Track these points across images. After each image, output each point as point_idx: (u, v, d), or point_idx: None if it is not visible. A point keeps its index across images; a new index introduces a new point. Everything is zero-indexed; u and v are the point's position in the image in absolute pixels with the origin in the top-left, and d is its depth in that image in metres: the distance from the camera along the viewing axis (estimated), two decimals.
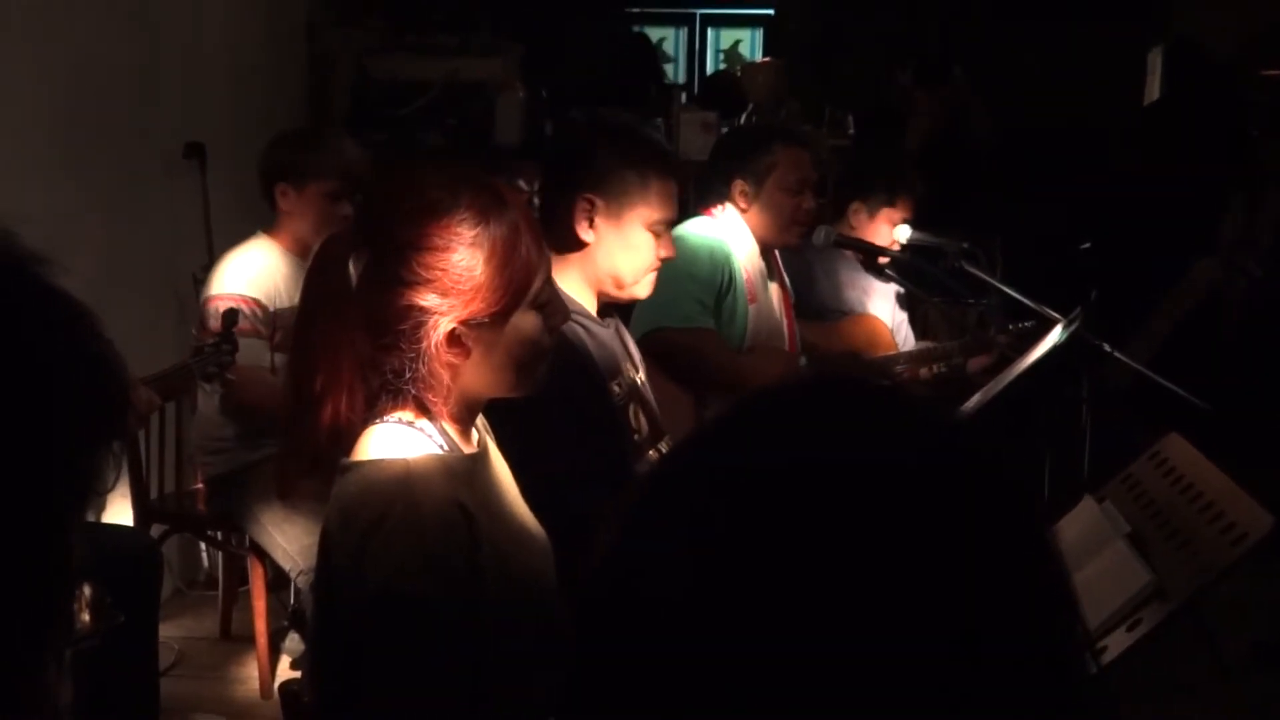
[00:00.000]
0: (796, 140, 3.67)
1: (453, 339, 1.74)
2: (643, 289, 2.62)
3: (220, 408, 3.80)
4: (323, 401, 1.74)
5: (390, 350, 1.73)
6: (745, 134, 3.72)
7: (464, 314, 1.73)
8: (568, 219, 2.54)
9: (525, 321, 1.79)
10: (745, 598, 0.67)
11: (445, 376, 1.75)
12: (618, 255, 2.56)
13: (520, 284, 1.77)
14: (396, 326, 1.72)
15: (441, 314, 1.72)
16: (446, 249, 1.73)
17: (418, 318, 1.72)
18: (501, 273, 1.75)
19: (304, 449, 1.77)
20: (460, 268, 1.73)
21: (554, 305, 1.85)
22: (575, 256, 2.56)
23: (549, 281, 1.84)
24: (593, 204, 2.53)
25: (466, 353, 1.76)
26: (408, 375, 1.74)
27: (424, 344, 1.73)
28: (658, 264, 2.60)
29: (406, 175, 1.88)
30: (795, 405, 0.75)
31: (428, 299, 1.72)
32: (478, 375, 1.78)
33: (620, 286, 2.60)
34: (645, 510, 0.74)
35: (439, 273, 1.72)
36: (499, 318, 1.76)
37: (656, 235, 2.57)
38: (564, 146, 2.68)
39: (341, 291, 1.75)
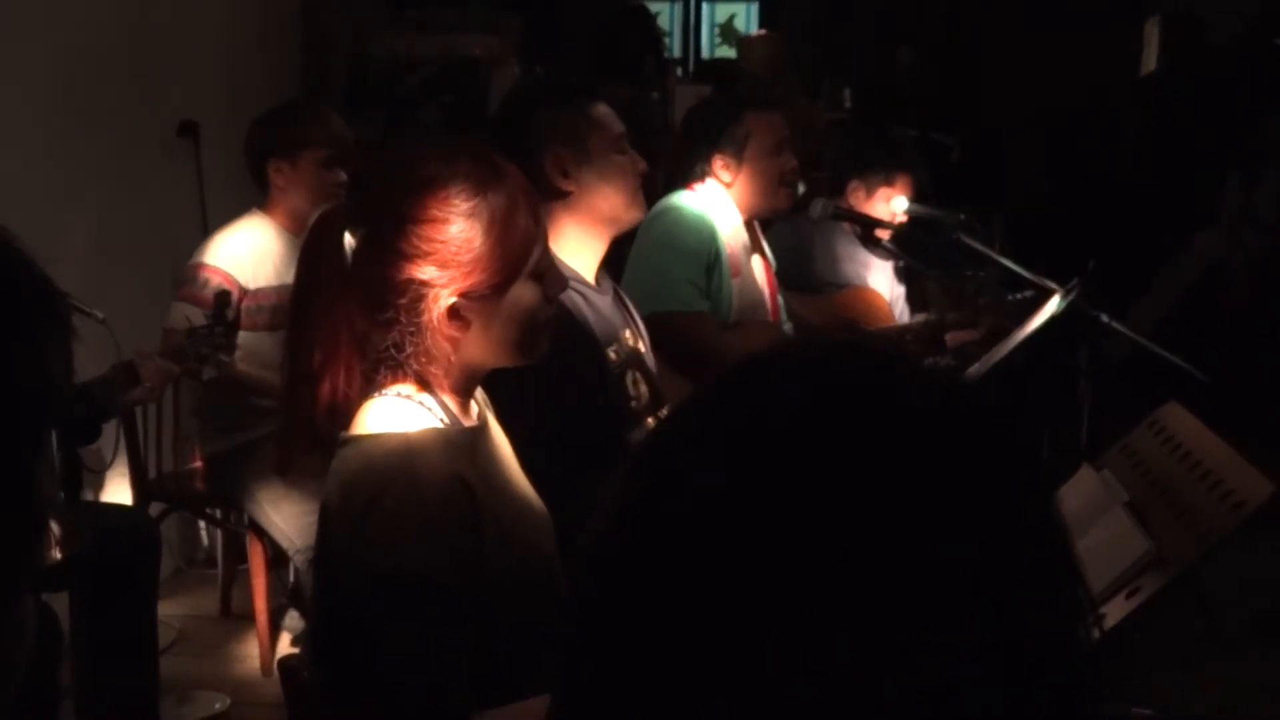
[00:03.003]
0: (765, 104, 3.67)
1: (453, 312, 1.73)
2: (638, 210, 2.70)
3: (206, 391, 3.80)
4: (321, 377, 1.73)
5: (390, 325, 1.73)
6: (713, 108, 3.69)
7: (464, 286, 1.73)
8: (544, 178, 2.57)
9: (524, 292, 1.79)
10: (755, 555, 0.67)
11: (446, 349, 1.75)
12: (604, 188, 2.62)
13: (519, 254, 1.77)
14: (396, 300, 1.72)
15: (441, 286, 1.72)
16: (445, 221, 1.72)
17: (417, 291, 1.72)
18: (501, 244, 1.75)
19: (302, 425, 1.77)
20: (459, 240, 1.72)
21: (552, 274, 1.85)
22: (566, 214, 2.59)
23: (546, 251, 1.84)
24: (558, 155, 2.58)
25: (467, 325, 1.75)
26: (408, 349, 1.73)
27: (424, 317, 1.72)
28: (639, 180, 2.68)
29: (402, 151, 1.87)
30: (801, 368, 0.75)
31: (427, 272, 1.71)
32: (478, 347, 1.78)
33: (618, 219, 2.66)
34: (652, 470, 0.74)
35: (438, 245, 1.72)
36: (499, 289, 1.76)
37: (623, 153, 2.65)
38: (505, 122, 2.75)
39: (337, 267, 1.75)
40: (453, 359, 1.76)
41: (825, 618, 0.65)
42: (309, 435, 1.77)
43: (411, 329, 1.73)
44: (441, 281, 1.72)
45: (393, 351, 1.74)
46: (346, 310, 1.73)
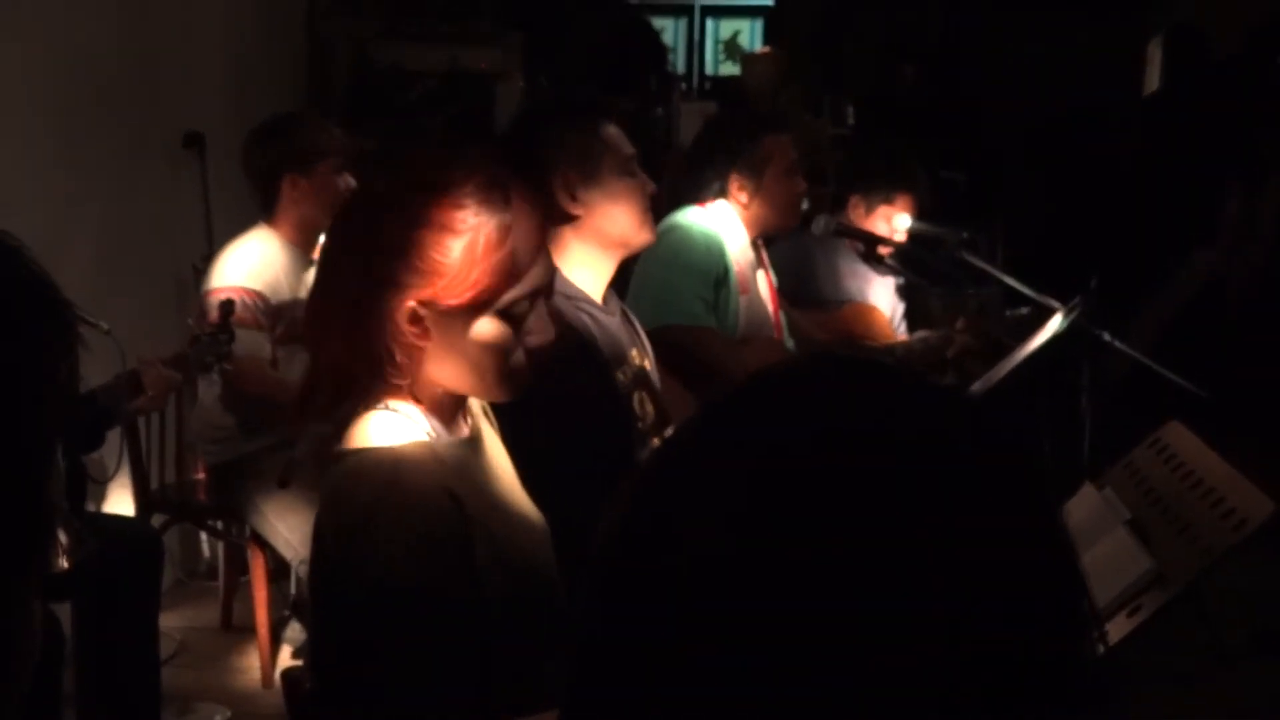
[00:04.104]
0: (779, 126, 3.72)
1: (413, 317, 1.73)
2: (649, 233, 2.67)
3: (220, 400, 3.81)
4: (322, 343, 1.78)
5: (371, 315, 1.74)
6: (729, 128, 3.71)
7: (423, 294, 1.73)
8: (552, 200, 2.55)
9: (489, 326, 1.77)
10: (760, 574, 0.67)
11: (407, 356, 1.75)
12: (613, 211, 2.59)
13: (489, 285, 1.75)
14: (377, 291, 1.74)
15: (405, 286, 1.72)
16: (424, 226, 1.72)
17: (387, 288, 1.73)
18: (472, 268, 1.73)
19: (309, 391, 1.80)
20: (429, 247, 1.72)
21: (536, 321, 1.83)
22: (574, 236, 2.58)
23: (531, 295, 1.81)
24: (567, 178, 2.56)
25: (426, 335, 1.75)
26: (376, 343, 1.74)
27: (388, 316, 1.73)
28: (649, 202, 2.65)
29: (421, 154, 1.87)
30: (809, 379, 0.76)
31: (397, 271, 1.72)
32: (438, 365, 1.77)
33: (627, 242, 2.64)
34: (656, 490, 0.74)
35: (409, 246, 1.72)
36: (460, 311, 1.75)
37: (633, 175, 2.62)
38: (514, 144, 2.71)
39: (362, 245, 1.76)
40: (413, 369, 1.76)
41: (829, 634, 0.66)
42: (315, 401, 1.79)
43: (376, 324, 1.74)
44: (406, 281, 1.72)
45: (369, 343, 1.75)
46: (359, 289, 1.75)
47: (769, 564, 0.67)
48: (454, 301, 1.74)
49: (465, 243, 1.73)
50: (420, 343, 1.75)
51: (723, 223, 3.48)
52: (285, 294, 3.78)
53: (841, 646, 0.66)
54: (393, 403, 1.75)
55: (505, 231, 1.76)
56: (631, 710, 0.70)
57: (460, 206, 1.74)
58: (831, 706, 0.66)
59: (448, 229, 1.73)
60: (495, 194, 1.77)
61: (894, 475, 0.69)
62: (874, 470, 0.69)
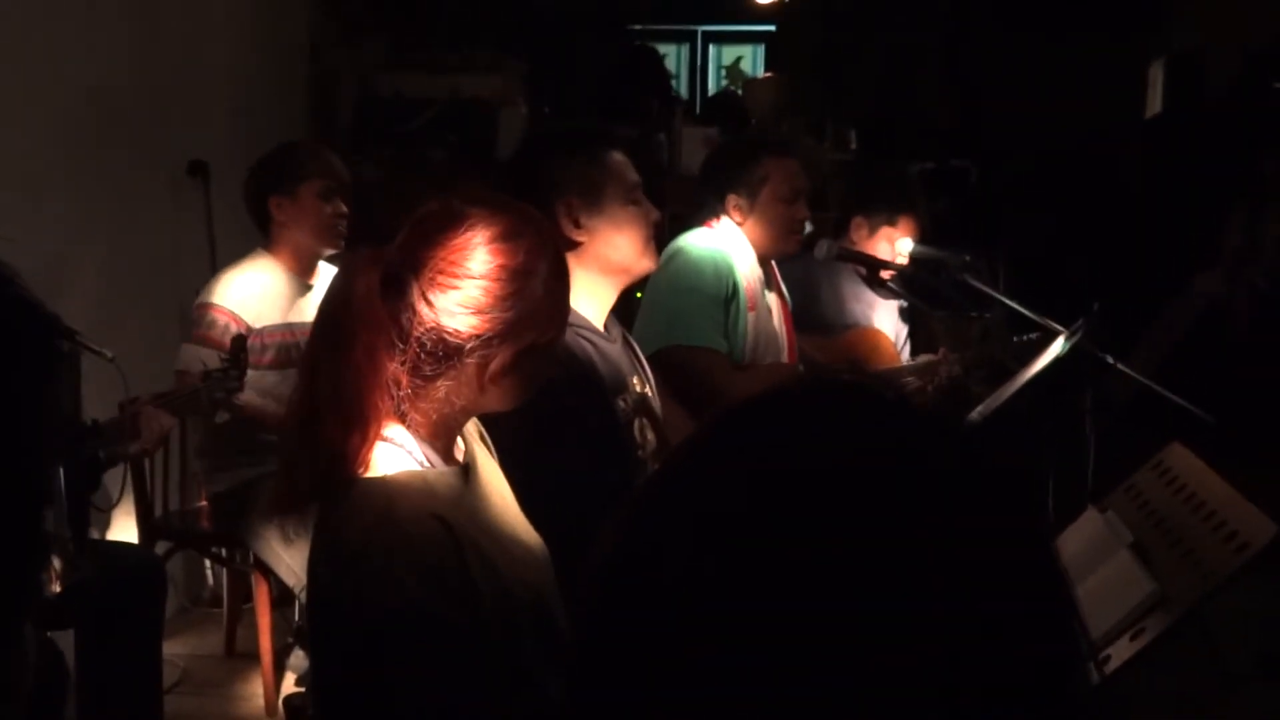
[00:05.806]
0: (785, 150, 3.70)
1: (438, 345, 1.74)
2: (650, 260, 2.66)
3: (223, 428, 3.81)
4: (351, 419, 1.71)
5: (414, 368, 1.74)
6: (734, 148, 3.74)
7: (452, 326, 1.74)
8: (555, 228, 2.55)
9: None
10: (766, 562, 0.68)
11: (420, 385, 1.75)
12: (616, 239, 2.59)
13: (509, 325, 1.77)
14: (427, 347, 1.73)
15: (477, 333, 1.74)
16: (464, 265, 1.74)
17: (450, 340, 1.73)
18: (496, 306, 1.75)
19: (310, 466, 1.76)
20: (469, 288, 1.73)
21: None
22: (576, 263, 2.57)
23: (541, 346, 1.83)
24: (570, 205, 2.56)
25: (446, 366, 1.75)
26: (413, 391, 1.74)
27: (467, 367, 1.75)
28: (652, 229, 2.64)
29: (452, 199, 1.86)
30: (811, 393, 0.77)
31: (431, 304, 1.72)
32: (456, 393, 1.78)
33: (629, 269, 2.63)
34: (663, 485, 0.75)
35: (453, 288, 1.73)
36: (476, 341, 1.76)
37: (637, 203, 2.62)
38: (519, 170, 2.71)
39: (370, 307, 1.73)
40: (423, 399, 1.76)
41: (829, 634, 0.66)
42: (315, 478, 1.75)
43: (430, 373, 1.73)
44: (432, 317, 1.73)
45: (401, 393, 1.74)
46: (377, 352, 1.73)
47: (769, 565, 0.68)
48: (472, 334, 1.74)
49: (492, 282, 1.75)
50: (437, 372, 1.75)
51: (730, 241, 3.48)
52: (279, 320, 3.80)
53: (841, 646, 0.66)
54: (388, 430, 1.75)
55: (553, 272, 1.80)
56: (632, 711, 0.71)
57: (492, 249, 1.75)
58: (831, 706, 0.66)
59: (479, 271, 1.74)
60: (532, 237, 1.79)
61: (893, 477, 0.70)
62: (873, 472, 0.70)
